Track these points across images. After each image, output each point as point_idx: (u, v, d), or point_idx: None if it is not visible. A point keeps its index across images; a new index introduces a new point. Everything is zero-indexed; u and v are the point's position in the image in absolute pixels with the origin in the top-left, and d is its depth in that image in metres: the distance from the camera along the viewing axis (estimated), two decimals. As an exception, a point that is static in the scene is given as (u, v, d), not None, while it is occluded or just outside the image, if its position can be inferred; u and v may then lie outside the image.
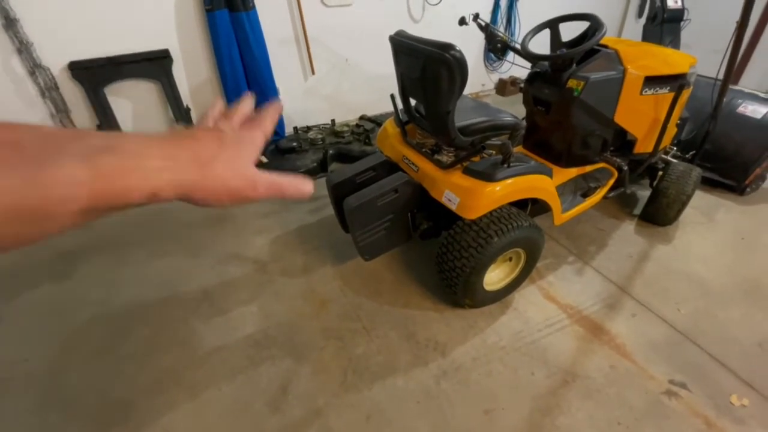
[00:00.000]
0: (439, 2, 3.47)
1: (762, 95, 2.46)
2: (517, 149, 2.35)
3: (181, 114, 2.88)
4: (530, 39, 1.89)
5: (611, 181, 2.06)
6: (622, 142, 2.11)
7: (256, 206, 2.59)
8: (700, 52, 4.72)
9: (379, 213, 1.65)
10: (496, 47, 2.13)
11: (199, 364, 1.61)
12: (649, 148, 2.07)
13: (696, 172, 2.17)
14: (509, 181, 1.51)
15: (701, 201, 2.54)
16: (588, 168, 2.11)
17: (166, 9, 2.70)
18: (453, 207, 1.53)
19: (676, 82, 1.91)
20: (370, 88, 3.62)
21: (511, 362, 1.59)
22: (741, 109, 2.46)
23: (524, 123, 1.58)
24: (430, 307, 1.83)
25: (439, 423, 1.39)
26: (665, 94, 1.91)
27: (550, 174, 1.67)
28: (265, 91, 3.09)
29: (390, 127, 2.00)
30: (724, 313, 1.80)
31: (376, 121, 3.43)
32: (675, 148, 2.49)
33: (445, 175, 1.60)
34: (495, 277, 1.77)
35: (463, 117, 1.60)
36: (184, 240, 2.31)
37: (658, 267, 2.05)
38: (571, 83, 1.81)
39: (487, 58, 4.18)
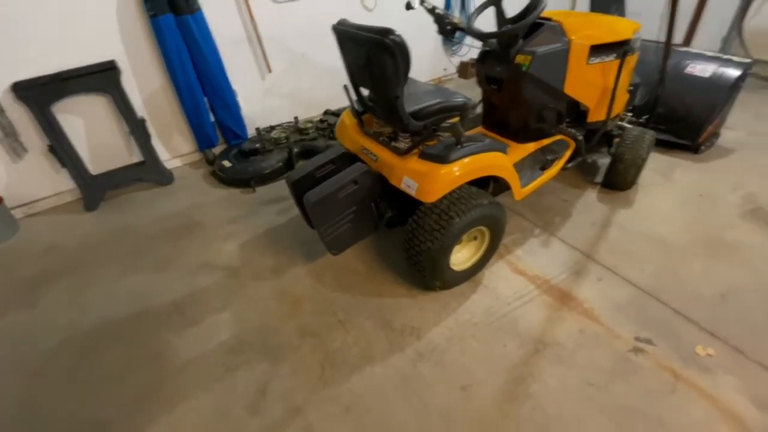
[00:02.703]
0: (389, -10, 3.45)
1: (709, 54, 2.54)
2: (477, 129, 2.38)
3: (135, 126, 2.80)
4: (476, 18, 1.90)
5: (568, 152, 2.10)
6: (577, 112, 2.15)
7: (223, 213, 2.55)
8: (650, 18, 4.84)
9: (341, 206, 1.64)
10: (446, 30, 2.12)
11: (174, 377, 1.58)
12: (602, 117, 2.12)
13: (649, 135, 2.23)
14: (464, 161, 1.53)
15: (659, 163, 2.62)
16: (545, 141, 2.15)
17: (107, 19, 2.60)
18: (412, 192, 1.54)
19: (620, 48, 1.96)
20: (331, 82, 3.56)
21: (484, 338, 1.62)
22: (689, 70, 2.53)
23: (473, 103, 1.59)
24: (404, 294, 1.85)
25: (417, 405, 1.42)
26: (611, 61, 1.96)
27: (504, 150, 1.70)
28: (220, 93, 3.02)
29: (347, 118, 1.98)
30: (686, 268, 1.88)
31: (340, 115, 3.40)
32: (630, 114, 2.56)
33: (402, 161, 1.60)
34: (462, 257, 1.80)
35: (415, 101, 1.60)
36: (151, 254, 2.26)
37: (620, 231, 2.12)
38: (519, 59, 1.83)
39: (445, 42, 4.18)
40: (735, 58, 2.43)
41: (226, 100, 3.08)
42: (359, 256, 2.07)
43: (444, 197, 1.57)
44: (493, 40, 1.96)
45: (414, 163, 1.55)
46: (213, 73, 2.93)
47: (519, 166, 2.04)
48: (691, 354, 1.52)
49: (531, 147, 2.13)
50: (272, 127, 3.35)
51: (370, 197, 1.71)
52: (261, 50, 3.18)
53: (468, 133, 2.37)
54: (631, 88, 2.45)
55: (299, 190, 1.74)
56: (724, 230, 2.06)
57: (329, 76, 3.56)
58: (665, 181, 2.46)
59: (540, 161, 2.05)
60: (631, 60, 2.07)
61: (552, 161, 2.04)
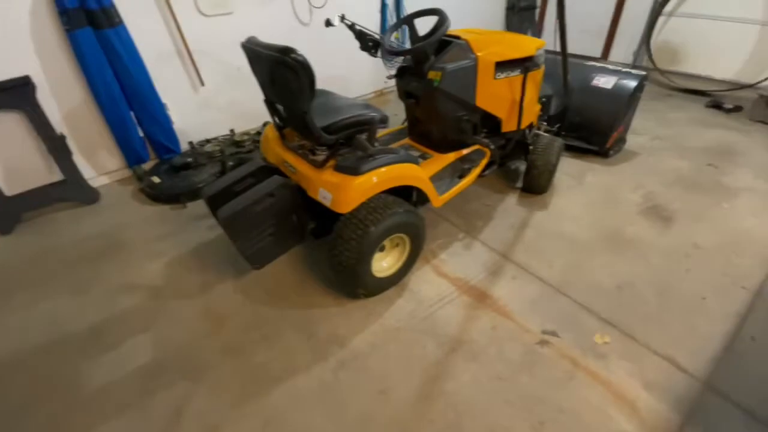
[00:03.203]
0: (324, 4, 3.52)
1: (611, 67, 2.81)
2: (405, 141, 2.48)
3: (54, 143, 2.66)
4: (390, 36, 2.00)
5: (484, 161, 2.24)
6: (492, 123, 2.30)
7: (151, 231, 2.48)
8: (573, 32, 5.22)
9: (259, 219, 1.66)
10: (368, 46, 2.21)
11: (84, 406, 1.52)
12: (514, 127, 2.28)
13: (558, 143, 2.43)
14: (376, 172, 1.60)
15: (574, 167, 2.85)
16: (464, 151, 2.28)
17: (20, 33, 2.46)
18: (327, 203, 1.59)
19: (524, 64, 2.13)
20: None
21: (406, 341, 1.69)
22: (595, 82, 2.79)
23: (380, 117, 1.66)
24: (332, 303, 1.88)
25: (336, 412, 1.45)
26: (516, 76, 2.12)
27: (416, 162, 1.79)
28: (148, 108, 2.94)
29: (270, 132, 2.01)
30: (589, 263, 2.05)
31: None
32: (545, 123, 2.77)
33: (319, 173, 1.65)
34: (386, 264, 1.86)
35: (328, 116, 1.65)
36: (69, 278, 2.15)
37: (535, 232, 2.28)
38: (432, 74, 1.95)
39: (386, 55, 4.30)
40: (633, 71, 2.71)
41: (154, 114, 3.00)
42: (292, 266, 2.08)
43: (360, 207, 1.63)
44: (410, 57, 2.07)
45: (329, 175, 1.61)
46: (139, 87, 2.85)
47: (440, 175, 2.15)
48: (590, 343, 1.66)
49: (451, 157, 2.26)
50: (208, 140, 3.29)
51: (290, 210, 1.74)
52: (192, 63, 3.13)
53: (397, 144, 2.48)
54: (544, 99, 2.66)
55: (216, 205, 1.74)
56: (624, 226, 2.28)
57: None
58: (578, 184, 2.68)
59: (458, 170, 2.17)
60: (536, 74, 2.26)
61: (469, 170, 2.16)
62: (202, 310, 1.90)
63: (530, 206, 2.49)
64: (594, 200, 2.52)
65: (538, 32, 2.37)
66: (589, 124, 2.84)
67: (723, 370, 1.53)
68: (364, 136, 1.68)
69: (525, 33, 2.72)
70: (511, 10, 2.71)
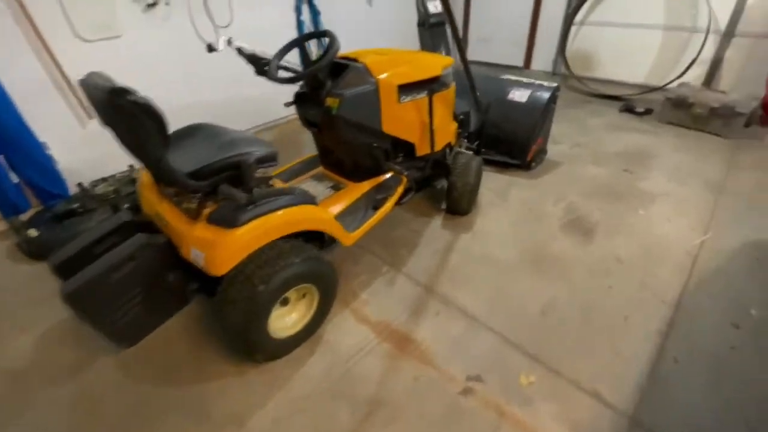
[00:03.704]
0: (230, 23, 3.26)
1: (525, 80, 2.80)
2: (317, 170, 2.29)
3: None
4: (278, 61, 1.80)
5: (401, 188, 2.10)
6: (406, 148, 2.17)
7: (24, 294, 2.08)
8: (500, 43, 5.32)
9: (118, 290, 1.38)
10: (264, 71, 1.99)
11: None
12: (428, 150, 2.16)
13: (476, 162, 2.34)
14: (261, 221, 1.38)
15: (498, 182, 2.79)
16: (380, 178, 2.13)
17: None
18: (200, 264, 1.35)
19: (429, 86, 2.01)
20: (174, 122, 3.25)
21: (315, 411, 1.47)
22: (511, 96, 2.76)
23: (261, 156, 1.43)
24: (232, 372, 1.62)
25: None
26: (423, 98, 2.00)
27: (312, 201, 1.59)
28: (22, 149, 2.52)
29: (145, 177, 1.73)
30: (514, 287, 1.96)
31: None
32: (466, 140, 2.69)
33: (190, 227, 1.40)
34: (290, 320, 1.64)
35: (200, 158, 1.41)
36: None
37: (460, 257, 2.16)
38: (329, 101, 1.77)
39: (302, 63, 4.08)
40: (546, 84, 2.71)
41: (31, 155, 2.58)
42: (182, 331, 1.79)
43: (247, 262, 1.40)
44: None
45: (200, 229, 1.37)
46: (6, 126, 2.43)
47: (353, 208, 1.97)
48: (515, 385, 1.54)
49: (366, 186, 2.09)
50: (104, 179, 2.90)
51: (161, 272, 1.48)
52: (74, 95, 2.75)
53: (310, 173, 2.28)
54: (461, 116, 2.58)
55: (72, 273, 1.43)
56: (548, 243, 2.22)
57: (169, 114, 3.24)
58: (502, 201, 2.61)
59: (372, 200, 2.00)
60: (446, 95, 2.16)
61: (383, 200, 2.01)
62: (73, 395, 1.57)
63: (455, 228, 2.38)
64: (518, 217, 2.45)
65: (462, 47, 2.27)
66: (509, 139, 2.80)
67: (648, 402, 1.45)
68: (258, 172, 1.45)
69: (438, 50, 2.63)
70: (422, 26, 2.61)
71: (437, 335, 1.74)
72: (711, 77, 3.78)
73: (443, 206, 2.55)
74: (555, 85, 2.68)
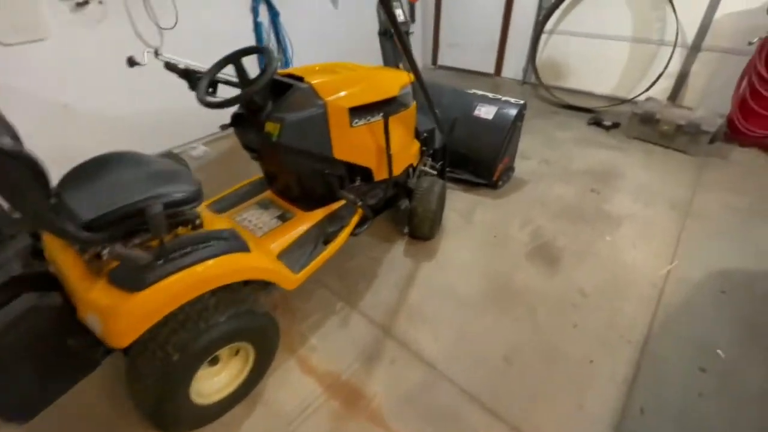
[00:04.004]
0: (175, 24, 2.98)
1: (491, 96, 2.66)
2: (265, 194, 2.08)
3: None
4: (207, 82, 1.58)
5: (356, 218, 1.93)
6: (363, 172, 1.99)
7: None
8: (470, 49, 5.20)
9: (3, 360, 1.15)
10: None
11: None
12: (386, 175, 1.99)
13: (438, 186, 2.19)
14: (170, 280, 1.17)
15: (463, 203, 2.66)
16: (334, 206, 1.94)
17: None
18: (98, 333, 1.13)
19: (385, 107, 1.84)
20: (112, 134, 2.96)
21: (246, 489, 1.29)
22: (476, 112, 2.62)
23: (156, 207, 1.18)
24: (154, 440, 1.42)
25: None
26: (378, 121, 1.83)
27: (244, 248, 1.39)
28: None
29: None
30: (476, 326, 1.82)
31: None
32: (430, 159, 2.54)
33: (87, 285, 1.18)
34: (220, 382, 1.44)
35: (103, 201, 1.18)
36: None
37: (421, 290, 2.01)
38: (269, 127, 1.57)
39: (262, 66, 3.82)
40: (512, 100, 2.58)
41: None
42: (99, 394, 1.56)
43: (160, 325, 1.19)
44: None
45: (97, 290, 1.14)
46: None
47: (301, 242, 1.78)
48: (474, 445, 1.40)
49: (317, 215, 1.90)
50: (30, 200, 2.59)
51: (58, 337, 1.25)
52: (-11, 105, 2.42)
53: (257, 198, 2.06)
54: (425, 134, 2.42)
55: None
56: (512, 274, 2.10)
57: (107, 125, 2.95)
58: (466, 223, 2.48)
59: (323, 233, 1.82)
60: (404, 116, 1.99)
61: (336, 232, 1.83)
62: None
63: (418, 255, 2.23)
64: (483, 242, 2.32)
65: (413, 61, 2.10)
66: (474, 157, 2.67)
67: (612, 466, 1.35)
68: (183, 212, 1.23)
69: (400, 62, 2.46)
70: (383, 36, 2.42)
71: (391, 388, 1.58)
72: (677, 91, 3.78)
73: (406, 230, 2.39)
74: (522, 102, 2.55)
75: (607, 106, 4.00)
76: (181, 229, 1.41)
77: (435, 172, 2.55)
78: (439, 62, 5.45)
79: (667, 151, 3.25)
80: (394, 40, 2.50)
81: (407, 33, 2.55)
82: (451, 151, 2.70)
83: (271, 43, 3.70)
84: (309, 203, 1.92)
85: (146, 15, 2.84)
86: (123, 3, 2.76)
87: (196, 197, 1.30)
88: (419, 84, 2.20)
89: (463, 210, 2.59)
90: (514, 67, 4.85)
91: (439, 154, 2.59)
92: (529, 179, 2.90)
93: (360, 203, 1.87)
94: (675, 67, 3.70)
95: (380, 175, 2.00)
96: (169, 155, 2.71)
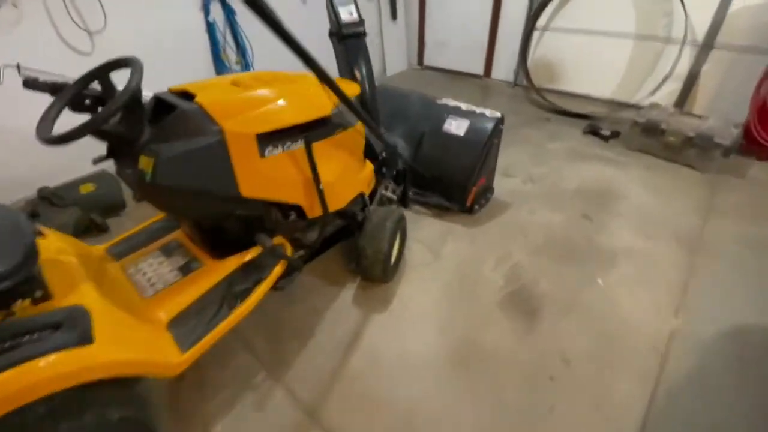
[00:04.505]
0: (104, 27, 2.60)
1: (464, 108, 2.26)
2: (176, 234, 1.71)
3: None
4: (57, 111, 1.20)
5: (279, 268, 1.54)
6: (293, 208, 1.62)
7: None
8: (454, 47, 4.78)
9: None
10: (81, 104, 1.38)
11: None
12: (320, 211, 1.61)
13: (392, 220, 1.79)
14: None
15: (432, 231, 2.27)
16: (254, 252, 1.56)
17: None
18: None
19: (313, 130, 1.46)
20: (44, 150, 2.60)
21: None
22: (447, 127, 2.23)
23: None
24: None
25: None
26: (299, 149, 1.45)
27: (84, 338, 1.02)
28: None
29: None
30: (427, 407, 1.44)
31: (58, 196, 2.44)
32: (392, 182, 2.16)
33: None
34: None
35: None
36: None
37: (366, 354, 1.63)
38: (142, 162, 1.20)
39: (219, 70, 3.45)
40: (487, 112, 2.18)
41: None
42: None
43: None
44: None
45: None
46: None
47: (202, 303, 1.40)
48: None
49: (231, 264, 1.52)
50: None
51: None
52: None
53: (167, 238, 1.70)
54: (384, 154, 2.05)
55: None
56: (480, 330, 1.71)
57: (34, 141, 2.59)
58: (433, 259, 2.09)
59: (232, 293, 1.44)
60: (344, 138, 1.61)
61: (246, 292, 1.44)
62: None
63: (369, 303, 1.85)
64: (449, 285, 1.93)
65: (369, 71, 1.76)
66: (444, 179, 2.28)
67: None
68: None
69: (355, 67, 2.07)
70: (334, 36, 2.05)
71: (303, 505, 1.21)
72: (685, 95, 3.35)
73: (354, 266, 2.01)
74: (498, 115, 2.15)
75: (605, 112, 3.58)
76: (20, 304, 1.05)
77: (396, 198, 2.17)
78: (426, 62, 5.04)
79: (673, 166, 2.82)
80: (345, 43, 2.14)
81: (359, 35, 2.17)
82: (419, 171, 2.33)
83: (228, 44, 3.33)
84: (220, 249, 1.55)
85: (69, 17, 2.46)
86: (42, 4, 2.40)
87: (14, 274, 0.94)
88: (364, 96, 1.83)
89: (430, 241, 2.20)
90: (504, 67, 4.43)
91: (401, 175, 2.21)
92: (510, 202, 2.50)
93: (281, 254, 1.49)
94: (683, 67, 3.27)
95: (312, 212, 1.62)
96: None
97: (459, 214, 2.38)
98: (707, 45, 3.12)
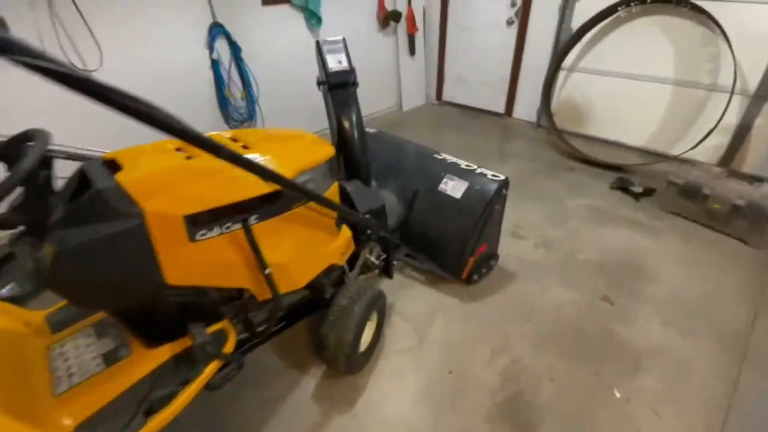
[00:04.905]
0: (99, 67, 2.53)
1: (464, 166, 1.99)
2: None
3: None
4: None
5: (214, 365, 1.30)
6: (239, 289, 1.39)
7: None
8: (473, 83, 4.55)
9: None
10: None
11: None
12: (270, 295, 1.37)
13: (362, 305, 1.51)
14: None
15: (421, 306, 1.97)
16: (189, 341, 1.34)
17: None
18: None
19: (259, 208, 1.24)
20: None
21: None
22: (442, 186, 1.96)
23: None
24: None
25: None
26: (237, 231, 1.22)
27: None
28: None
29: None
30: None
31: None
32: (378, 245, 1.89)
33: None
34: None
35: None
36: None
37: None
38: (46, 249, 1.01)
39: (227, 116, 3.33)
40: (490, 174, 1.89)
41: None
42: None
43: None
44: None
45: None
46: None
47: (114, 408, 1.18)
48: None
49: (162, 354, 1.29)
50: None
51: None
52: None
53: (96, 318, 1.49)
54: (368, 215, 1.80)
55: None
56: (460, 453, 1.39)
57: None
58: (418, 342, 1.79)
59: (148, 400, 1.21)
60: (305, 211, 1.37)
61: (168, 397, 1.20)
62: None
63: (333, 400, 1.56)
64: (431, 383, 1.62)
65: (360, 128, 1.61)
66: (438, 246, 2.00)
67: None
68: None
69: (343, 117, 1.88)
70: (323, 85, 1.87)
71: None
72: (734, 150, 2.92)
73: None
74: (502, 178, 1.86)
75: (638, 163, 3.19)
76: None
77: (379, 265, 1.90)
78: (444, 98, 4.82)
79: (717, 236, 2.41)
80: (332, 93, 1.96)
81: (348, 85, 1.98)
82: (413, 232, 2.07)
83: (233, 81, 3.24)
84: (152, 335, 1.33)
85: (61, 52, 2.42)
86: (37, 38, 2.37)
87: None
88: (353, 149, 1.63)
89: (417, 317, 1.90)
90: (527, 106, 4.13)
91: (395, 236, 1.96)
92: (517, 273, 2.17)
93: (212, 353, 1.25)
94: (731, 119, 2.86)
95: (264, 294, 1.38)
96: None
97: (455, 282, 2.07)
98: (760, 95, 2.72)
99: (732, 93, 2.80)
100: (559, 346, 1.75)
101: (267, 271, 1.27)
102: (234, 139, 1.40)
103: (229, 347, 1.35)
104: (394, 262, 1.97)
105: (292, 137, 1.59)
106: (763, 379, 1.62)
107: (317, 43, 1.90)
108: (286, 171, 1.29)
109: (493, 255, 2.16)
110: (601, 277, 2.12)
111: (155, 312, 1.30)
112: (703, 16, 2.75)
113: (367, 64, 4.16)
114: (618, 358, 1.69)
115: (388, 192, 2.17)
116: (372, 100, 4.41)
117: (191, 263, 1.17)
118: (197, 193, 1.14)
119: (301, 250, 1.42)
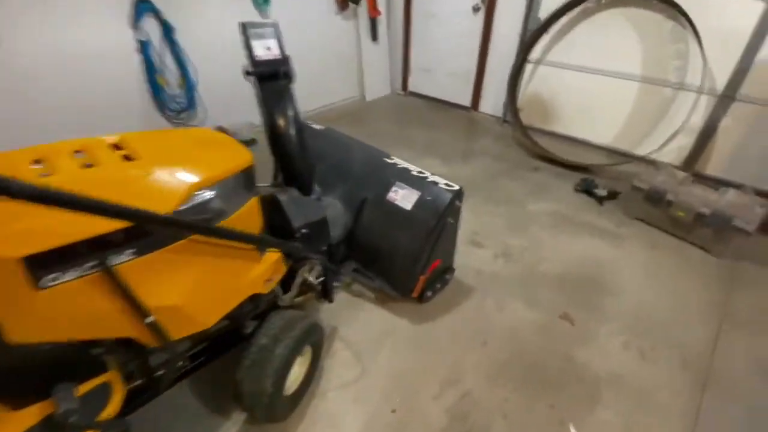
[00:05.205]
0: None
1: (415, 172, 1.77)
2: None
3: None
4: None
5: (111, 405, 1.05)
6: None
7: None
8: (445, 77, 4.32)
9: None
10: None
11: None
12: (159, 342, 1.12)
13: (286, 347, 1.28)
14: None
15: (368, 327, 1.77)
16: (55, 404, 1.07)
17: None
18: None
19: (141, 239, 0.98)
20: None
21: None
22: (391, 195, 1.74)
23: None
24: None
25: None
26: (97, 274, 0.96)
27: None
28: None
29: None
30: None
31: None
32: (320, 261, 1.65)
33: None
34: None
35: None
36: None
37: None
38: None
39: (162, 106, 2.96)
40: (444, 184, 1.68)
41: None
42: None
43: None
44: None
45: None
46: None
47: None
48: None
49: (28, 419, 1.03)
50: None
51: None
52: None
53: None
54: (305, 230, 1.55)
55: None
56: None
57: None
58: (360, 374, 1.58)
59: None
60: (199, 244, 1.12)
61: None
62: None
63: (247, 459, 1.35)
64: (370, 425, 1.43)
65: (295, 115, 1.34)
66: (387, 262, 1.80)
67: None
68: None
69: (275, 113, 1.61)
70: (250, 75, 1.59)
71: None
72: (698, 152, 2.84)
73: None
74: (456, 188, 1.66)
75: (603, 163, 3.08)
76: None
77: (318, 286, 1.67)
78: (410, 88, 4.57)
79: (681, 244, 2.31)
80: (261, 85, 1.68)
81: (286, 78, 1.71)
82: (361, 245, 1.85)
83: (167, 66, 2.87)
84: (13, 396, 1.06)
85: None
86: None
87: None
88: (289, 151, 1.39)
89: (362, 344, 1.69)
90: (494, 101, 3.95)
91: (341, 249, 1.74)
92: (474, 287, 2.00)
93: (83, 423, 1.00)
94: (698, 120, 2.78)
95: (151, 342, 1.13)
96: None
97: (408, 300, 1.88)
98: (728, 96, 2.63)
99: (700, 92, 2.70)
100: (514, 375, 1.59)
101: (149, 320, 1.02)
102: (118, 146, 1.13)
103: (112, 407, 1.09)
104: (336, 284, 1.74)
105: (199, 141, 1.32)
106: (724, 403, 1.52)
107: (241, 25, 1.61)
108: (174, 191, 1.03)
109: (448, 269, 1.97)
110: (561, 291, 1.97)
111: (10, 370, 1.03)
112: (673, 10, 2.61)
113: (324, 49, 3.85)
114: (576, 387, 1.55)
115: (333, 198, 1.93)
116: (331, 89, 4.10)
117: (41, 316, 0.91)
118: (44, 225, 0.87)
119: (206, 285, 1.16)
